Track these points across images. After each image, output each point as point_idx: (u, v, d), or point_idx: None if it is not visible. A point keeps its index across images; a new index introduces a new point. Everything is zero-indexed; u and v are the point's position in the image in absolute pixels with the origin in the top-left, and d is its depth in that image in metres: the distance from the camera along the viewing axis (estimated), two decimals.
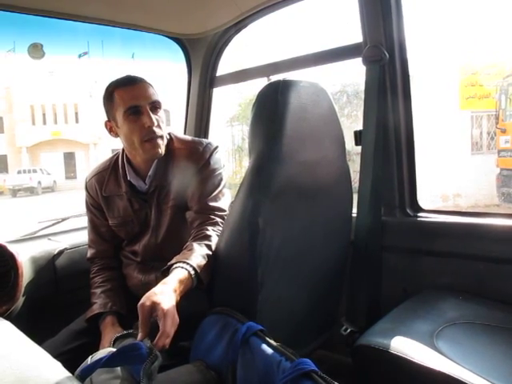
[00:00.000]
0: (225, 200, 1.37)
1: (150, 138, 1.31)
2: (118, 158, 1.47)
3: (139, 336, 0.95)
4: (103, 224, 1.48)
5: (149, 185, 1.39)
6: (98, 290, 1.41)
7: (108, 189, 1.45)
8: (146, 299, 1.00)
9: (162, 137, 1.35)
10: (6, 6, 1.51)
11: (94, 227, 1.51)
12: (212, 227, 1.29)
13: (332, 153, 1.29)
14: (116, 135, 1.39)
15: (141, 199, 1.40)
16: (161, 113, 1.37)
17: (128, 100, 1.31)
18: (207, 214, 1.33)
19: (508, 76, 6.21)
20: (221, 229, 1.28)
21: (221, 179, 1.40)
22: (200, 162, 1.37)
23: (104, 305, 1.35)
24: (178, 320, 0.99)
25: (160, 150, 1.35)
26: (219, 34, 2.03)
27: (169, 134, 1.45)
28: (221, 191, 1.38)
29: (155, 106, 1.34)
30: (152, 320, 0.98)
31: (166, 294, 1.02)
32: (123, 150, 1.44)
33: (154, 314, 0.98)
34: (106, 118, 1.40)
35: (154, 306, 0.98)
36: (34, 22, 1.69)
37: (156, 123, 1.32)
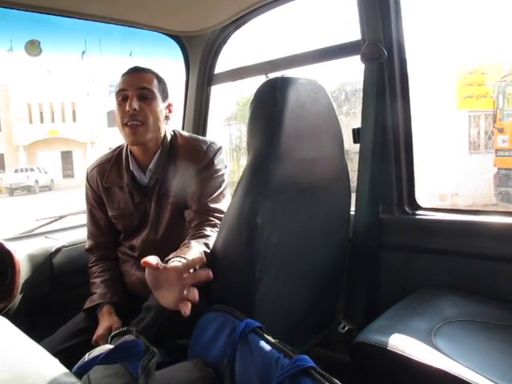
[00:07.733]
0: (225, 202, 1.35)
1: (129, 122, 1.32)
2: (121, 150, 1.48)
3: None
4: (102, 217, 1.49)
5: (149, 178, 1.39)
6: (98, 280, 1.42)
7: (109, 179, 1.45)
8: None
9: (144, 125, 1.33)
10: (3, 3, 1.51)
11: (93, 219, 1.51)
12: (210, 228, 1.28)
13: (330, 150, 1.28)
14: None
15: (142, 193, 1.40)
16: (154, 103, 1.35)
17: (120, 85, 1.36)
18: (206, 215, 1.31)
19: (506, 76, 6.23)
20: None
21: (222, 180, 1.38)
22: (202, 162, 1.36)
23: (103, 295, 1.37)
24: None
25: (140, 137, 1.34)
26: (217, 31, 2.02)
27: (173, 130, 1.46)
28: (222, 193, 1.37)
29: (144, 95, 1.34)
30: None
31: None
32: None
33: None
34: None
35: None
36: (32, 19, 1.69)
37: (138, 109, 1.31)
